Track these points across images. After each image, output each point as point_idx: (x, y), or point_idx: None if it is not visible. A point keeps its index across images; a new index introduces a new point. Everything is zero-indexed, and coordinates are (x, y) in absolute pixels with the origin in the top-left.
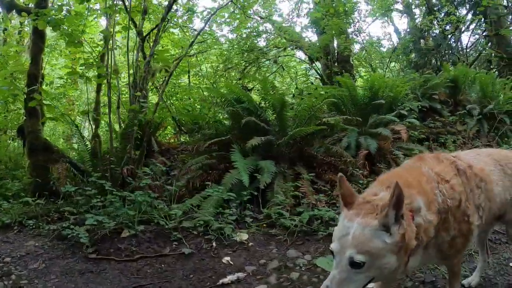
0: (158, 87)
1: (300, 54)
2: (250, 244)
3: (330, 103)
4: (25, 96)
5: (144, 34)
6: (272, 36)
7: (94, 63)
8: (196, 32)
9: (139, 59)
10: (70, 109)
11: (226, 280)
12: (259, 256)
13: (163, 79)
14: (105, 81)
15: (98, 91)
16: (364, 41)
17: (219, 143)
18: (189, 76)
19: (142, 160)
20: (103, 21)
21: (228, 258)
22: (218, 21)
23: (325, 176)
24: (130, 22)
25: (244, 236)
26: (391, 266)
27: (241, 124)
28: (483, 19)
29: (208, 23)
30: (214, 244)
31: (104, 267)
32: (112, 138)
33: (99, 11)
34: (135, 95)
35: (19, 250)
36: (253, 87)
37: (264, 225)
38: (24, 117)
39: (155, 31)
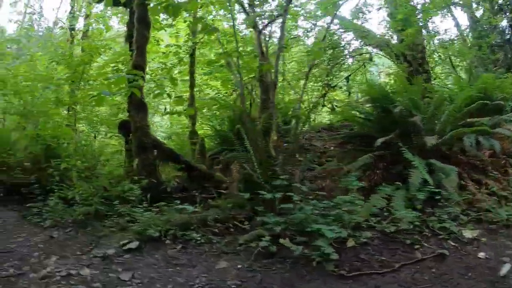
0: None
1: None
2: (483, 239)
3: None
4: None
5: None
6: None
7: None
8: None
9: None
10: None
11: (504, 272)
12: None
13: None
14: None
15: (191, 86)
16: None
17: (386, 142)
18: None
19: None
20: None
21: (483, 253)
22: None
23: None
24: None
25: (474, 232)
26: None
27: (408, 124)
28: None
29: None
30: (452, 242)
31: (374, 284)
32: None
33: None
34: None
35: (220, 276)
36: (336, 85)
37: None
38: (128, 112)
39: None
